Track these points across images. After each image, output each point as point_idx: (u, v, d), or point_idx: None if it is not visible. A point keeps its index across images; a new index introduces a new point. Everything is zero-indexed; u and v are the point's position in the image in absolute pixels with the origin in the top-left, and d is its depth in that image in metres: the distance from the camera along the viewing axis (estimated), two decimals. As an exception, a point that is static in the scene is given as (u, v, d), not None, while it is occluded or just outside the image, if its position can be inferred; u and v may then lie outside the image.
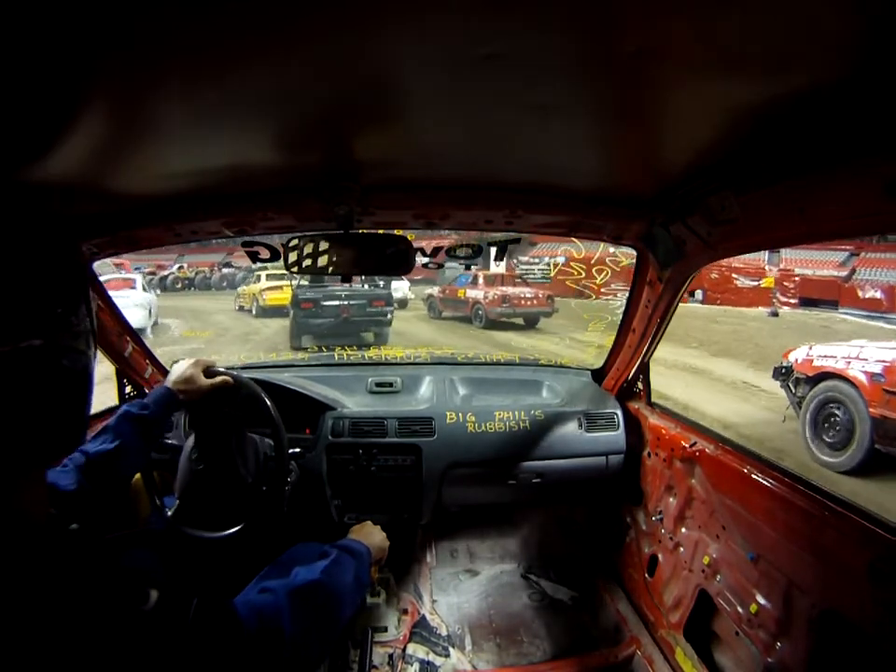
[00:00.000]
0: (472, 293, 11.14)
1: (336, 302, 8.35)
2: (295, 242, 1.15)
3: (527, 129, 0.79)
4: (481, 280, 11.25)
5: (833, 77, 0.58)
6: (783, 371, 4.45)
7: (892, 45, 0.51)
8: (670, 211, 1.13)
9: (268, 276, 12.18)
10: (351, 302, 8.42)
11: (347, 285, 8.34)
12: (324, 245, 1.14)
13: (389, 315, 8.77)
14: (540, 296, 10.93)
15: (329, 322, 8.26)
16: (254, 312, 12.12)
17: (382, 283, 9.25)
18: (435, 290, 12.61)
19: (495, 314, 10.53)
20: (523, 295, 10.82)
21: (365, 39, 0.52)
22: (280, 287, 11.21)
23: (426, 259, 1.27)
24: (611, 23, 0.50)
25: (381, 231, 1.32)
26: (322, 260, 1.14)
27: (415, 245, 1.17)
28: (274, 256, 1.24)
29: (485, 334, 9.99)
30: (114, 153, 0.84)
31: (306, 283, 8.63)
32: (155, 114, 0.68)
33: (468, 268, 10.31)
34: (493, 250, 1.38)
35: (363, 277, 8.66)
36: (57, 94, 0.60)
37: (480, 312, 10.81)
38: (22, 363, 0.44)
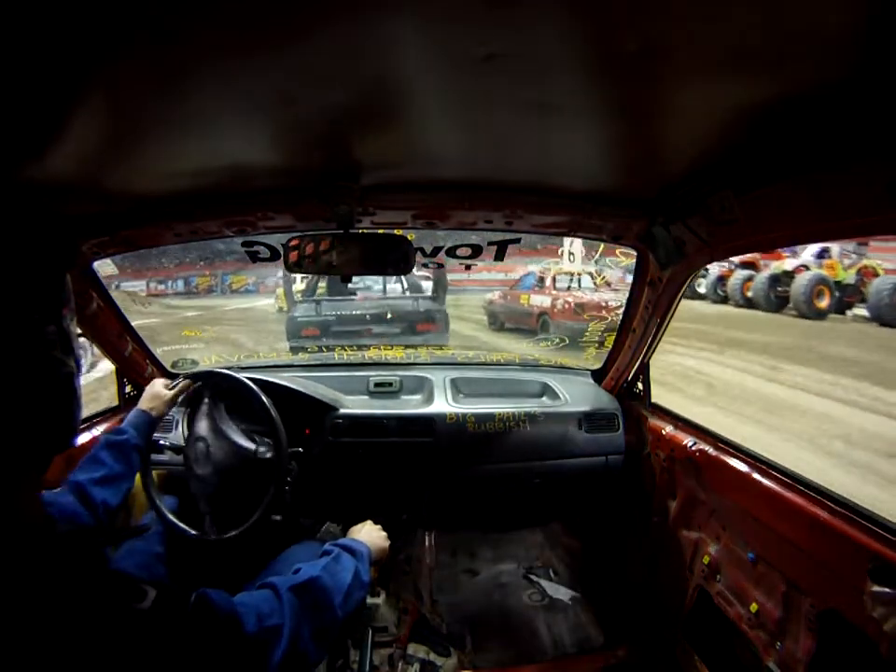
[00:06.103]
0: (537, 300, 7.87)
1: (356, 328, 5.13)
2: (295, 242, 1.15)
3: (527, 129, 0.79)
4: (548, 282, 7.80)
5: (834, 76, 0.58)
6: None
7: (893, 45, 0.51)
8: (670, 211, 1.13)
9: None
10: (378, 330, 5.22)
11: (377, 297, 5.73)
12: (324, 245, 1.13)
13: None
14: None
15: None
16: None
17: (424, 284, 6.05)
18: (495, 295, 9.27)
19: (567, 329, 6.83)
20: (604, 303, 6.87)
21: (365, 39, 0.52)
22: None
23: (425, 259, 1.27)
24: (612, 23, 0.50)
25: (381, 231, 1.32)
26: (322, 260, 1.15)
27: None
28: (274, 256, 1.24)
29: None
30: (114, 153, 0.84)
31: (324, 288, 5.69)
32: (155, 114, 0.68)
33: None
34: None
35: (403, 283, 6.17)
36: (57, 94, 0.60)
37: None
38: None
